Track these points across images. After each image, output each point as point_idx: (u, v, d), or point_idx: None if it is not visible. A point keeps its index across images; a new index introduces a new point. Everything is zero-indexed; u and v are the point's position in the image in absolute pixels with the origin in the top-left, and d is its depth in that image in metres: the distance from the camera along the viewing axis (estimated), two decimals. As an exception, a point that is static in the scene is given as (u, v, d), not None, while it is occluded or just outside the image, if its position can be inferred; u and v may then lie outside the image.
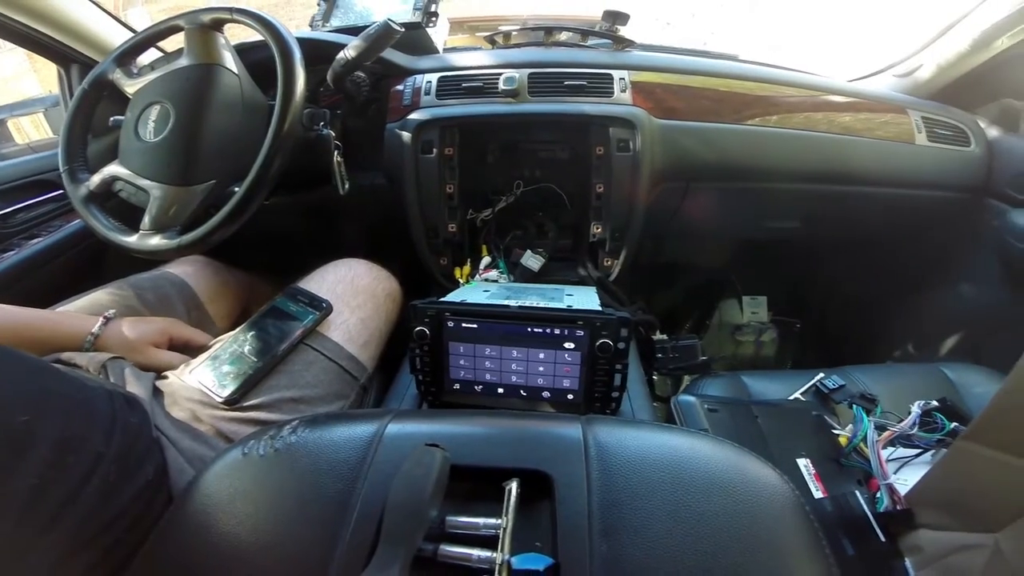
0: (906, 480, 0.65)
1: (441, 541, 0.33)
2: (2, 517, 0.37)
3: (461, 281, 1.02)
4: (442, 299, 0.66)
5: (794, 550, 0.35)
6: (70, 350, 0.65)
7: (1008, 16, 0.98)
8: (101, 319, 0.68)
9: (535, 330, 0.61)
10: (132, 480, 0.48)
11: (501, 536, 0.32)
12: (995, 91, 1.14)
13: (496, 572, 0.30)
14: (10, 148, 1.25)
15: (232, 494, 0.36)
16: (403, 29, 0.87)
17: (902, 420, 0.71)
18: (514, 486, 0.35)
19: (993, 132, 1.14)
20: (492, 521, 0.33)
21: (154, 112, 0.80)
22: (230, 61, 0.83)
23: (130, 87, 0.84)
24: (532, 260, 1.04)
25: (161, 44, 0.95)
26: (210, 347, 0.71)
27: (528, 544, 0.33)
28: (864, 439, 0.70)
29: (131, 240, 0.77)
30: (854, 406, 0.75)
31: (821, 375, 0.85)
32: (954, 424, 0.70)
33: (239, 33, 0.87)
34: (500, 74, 1.00)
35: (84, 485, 0.42)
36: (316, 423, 0.40)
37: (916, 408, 0.72)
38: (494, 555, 0.31)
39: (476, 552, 0.32)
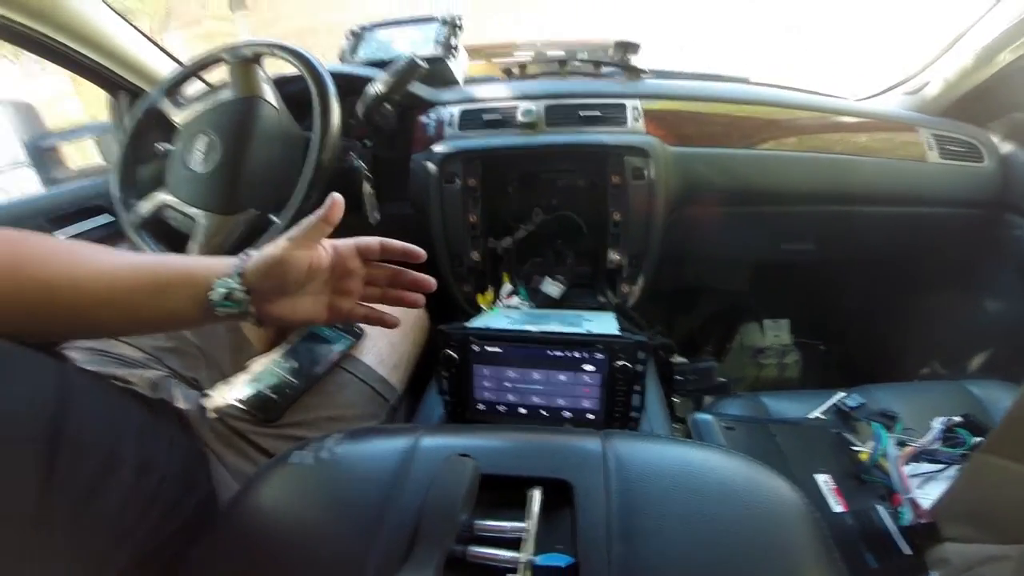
0: (930, 495, 0.65)
1: (470, 543, 0.36)
2: (96, 535, 0.40)
3: (484, 308, 1.05)
4: (467, 325, 0.69)
5: (803, 556, 0.36)
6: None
7: (1007, 30, 1.00)
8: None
9: (556, 353, 0.64)
10: (190, 496, 0.51)
11: (525, 538, 0.34)
12: (1004, 105, 1.14)
13: (521, 570, 0.33)
14: (62, 173, 1.30)
15: (280, 500, 0.39)
16: (427, 65, 0.92)
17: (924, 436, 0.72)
18: (537, 493, 0.38)
19: (1006, 147, 1.13)
20: (517, 525, 0.36)
21: (202, 143, 0.85)
22: (270, 94, 0.88)
23: (178, 117, 0.90)
24: (552, 287, 1.07)
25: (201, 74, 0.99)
26: (249, 368, 0.75)
27: (550, 547, 0.35)
28: (884, 455, 0.70)
29: None
30: (873, 423, 0.75)
31: (842, 394, 0.86)
32: (978, 439, 0.70)
33: (273, 64, 0.91)
34: (519, 106, 1.04)
35: (152, 504, 0.45)
36: (357, 436, 0.43)
37: (937, 424, 0.73)
38: (519, 555, 0.34)
39: (502, 552, 0.35)
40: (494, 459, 0.41)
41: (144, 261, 0.50)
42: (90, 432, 0.42)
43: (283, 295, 0.51)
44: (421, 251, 0.57)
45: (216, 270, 0.49)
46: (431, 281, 0.58)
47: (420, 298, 0.60)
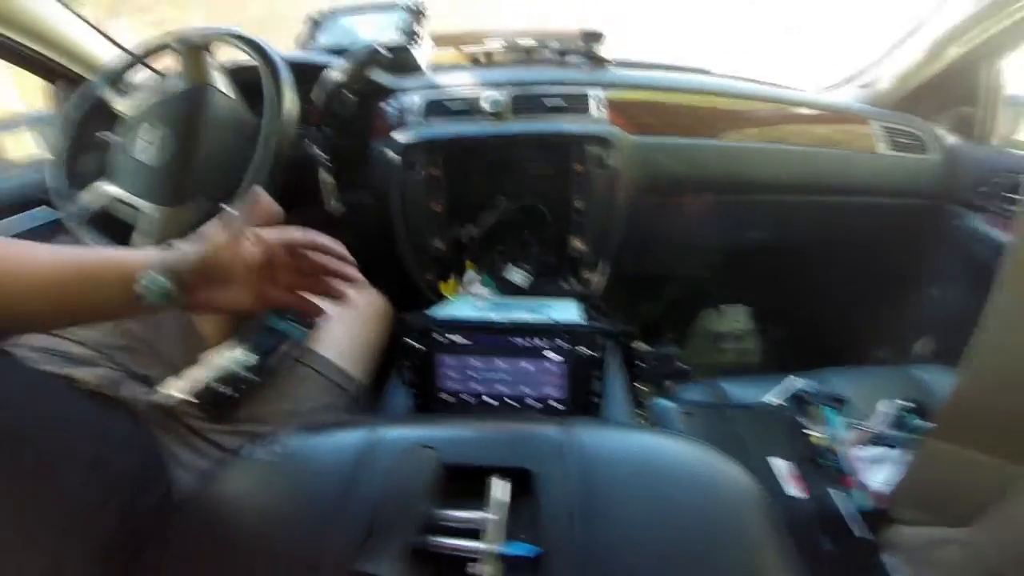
0: (880, 478, 0.67)
1: (434, 533, 0.35)
2: (45, 528, 0.39)
3: (448, 296, 1.04)
4: (431, 313, 0.69)
5: (755, 540, 0.37)
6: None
7: (956, 26, 1.03)
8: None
9: (520, 342, 0.64)
10: (148, 493, 0.50)
11: (489, 527, 0.34)
12: (951, 99, 1.18)
13: (486, 559, 0.33)
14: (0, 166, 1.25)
15: (237, 495, 0.39)
16: (390, 54, 0.90)
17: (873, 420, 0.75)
18: (501, 482, 0.37)
19: (951, 140, 1.17)
20: (481, 515, 0.36)
21: (150, 133, 0.82)
22: (221, 82, 0.85)
23: (123, 106, 0.86)
24: (516, 275, 1.07)
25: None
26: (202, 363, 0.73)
27: (514, 536, 0.35)
28: (836, 438, 0.73)
29: None
30: (824, 407, 0.78)
31: (797, 379, 0.88)
32: (925, 423, 0.73)
33: (231, 52, 0.89)
34: (484, 95, 1.03)
35: (107, 501, 0.44)
36: (316, 428, 0.42)
37: (885, 408, 0.76)
38: (483, 545, 0.34)
39: (466, 543, 0.34)
40: (457, 449, 0.41)
41: (70, 253, 0.49)
42: (32, 425, 0.42)
43: (210, 284, 0.51)
44: (337, 245, 0.58)
45: (143, 261, 0.49)
46: (352, 273, 0.59)
47: (345, 292, 0.60)
